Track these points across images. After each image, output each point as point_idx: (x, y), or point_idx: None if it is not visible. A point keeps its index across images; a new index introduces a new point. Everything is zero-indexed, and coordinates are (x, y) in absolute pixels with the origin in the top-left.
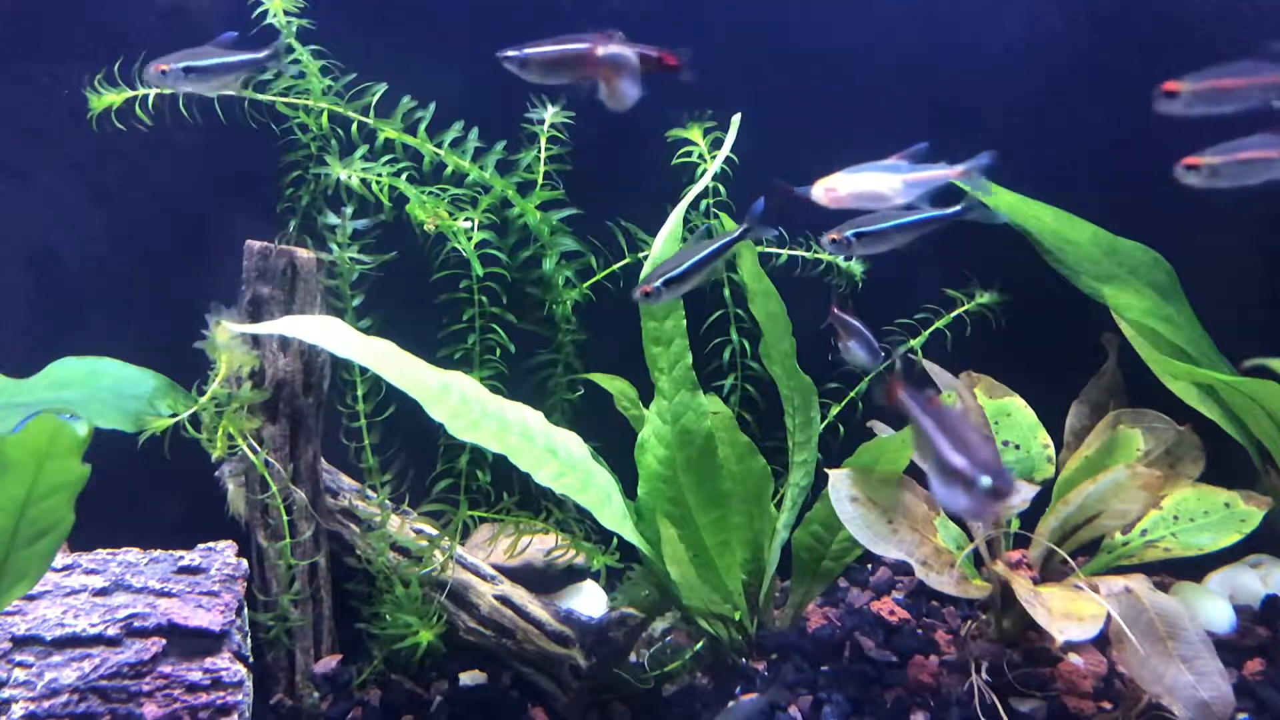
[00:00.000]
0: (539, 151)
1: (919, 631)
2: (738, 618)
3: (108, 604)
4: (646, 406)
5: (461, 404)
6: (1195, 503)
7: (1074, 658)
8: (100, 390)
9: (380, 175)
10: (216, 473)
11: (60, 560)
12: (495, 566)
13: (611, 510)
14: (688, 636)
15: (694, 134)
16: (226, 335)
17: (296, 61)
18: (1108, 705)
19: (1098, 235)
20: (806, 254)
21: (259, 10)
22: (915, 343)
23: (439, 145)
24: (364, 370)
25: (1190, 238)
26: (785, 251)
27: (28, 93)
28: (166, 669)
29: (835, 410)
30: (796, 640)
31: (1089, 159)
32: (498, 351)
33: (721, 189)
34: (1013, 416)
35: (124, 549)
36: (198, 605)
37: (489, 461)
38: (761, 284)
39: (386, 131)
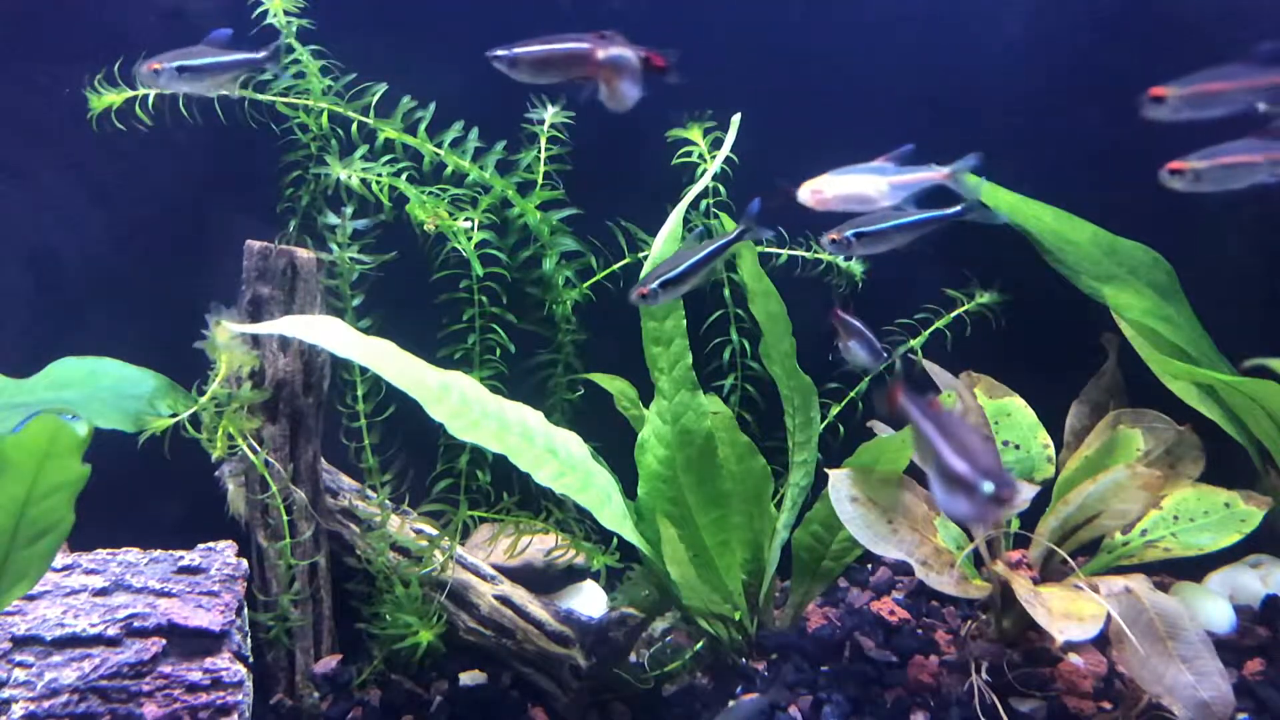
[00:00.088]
0: (539, 151)
1: (919, 631)
2: (738, 618)
3: (108, 604)
4: (646, 406)
5: (461, 404)
6: (1195, 503)
7: (1074, 658)
8: (100, 390)
9: (380, 175)
10: (216, 473)
11: (60, 560)
12: (495, 566)
13: (611, 510)
14: (688, 636)
15: (694, 134)
16: (226, 335)
17: (296, 63)
18: (1108, 705)
19: (1098, 235)
20: (806, 254)
21: (259, 10)
22: (915, 343)
23: (439, 145)
24: (364, 370)
25: (1190, 238)
26: (785, 251)
27: (28, 93)
28: (166, 669)
29: (835, 410)
30: (796, 640)
31: (1089, 159)
32: (498, 351)
33: (721, 189)
34: (1013, 416)
35: (124, 549)
36: (198, 605)
37: (489, 461)
38: (761, 284)
39: (386, 131)
